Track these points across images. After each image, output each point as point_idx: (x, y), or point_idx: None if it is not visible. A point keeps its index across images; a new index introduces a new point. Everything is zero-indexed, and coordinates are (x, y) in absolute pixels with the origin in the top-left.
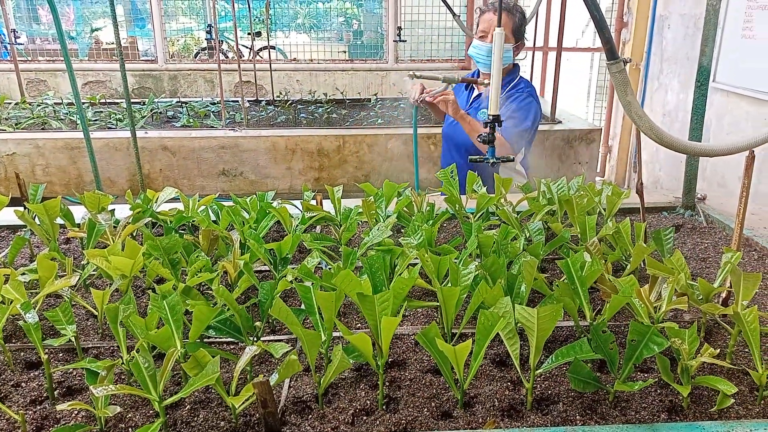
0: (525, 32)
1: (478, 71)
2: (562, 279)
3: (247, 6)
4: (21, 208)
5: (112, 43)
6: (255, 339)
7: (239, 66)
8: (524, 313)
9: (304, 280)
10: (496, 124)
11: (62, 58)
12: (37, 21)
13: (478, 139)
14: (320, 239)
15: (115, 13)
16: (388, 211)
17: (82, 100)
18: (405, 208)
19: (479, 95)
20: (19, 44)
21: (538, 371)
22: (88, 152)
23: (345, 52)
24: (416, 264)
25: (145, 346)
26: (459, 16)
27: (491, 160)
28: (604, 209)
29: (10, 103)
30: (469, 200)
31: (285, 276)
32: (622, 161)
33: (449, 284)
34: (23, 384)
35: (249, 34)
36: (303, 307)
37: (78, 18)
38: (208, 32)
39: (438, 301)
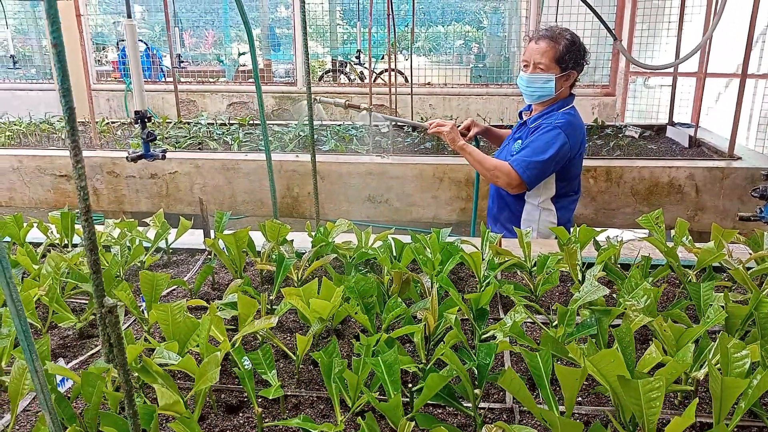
0: (579, 61)
1: (530, 105)
2: None
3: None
4: (200, 234)
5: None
6: (472, 407)
7: (390, 90)
8: None
9: (516, 341)
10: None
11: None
12: (182, 45)
13: None
14: (518, 290)
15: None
16: (583, 258)
17: (230, 122)
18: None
19: (524, 123)
20: (181, 68)
21: None
22: (269, 177)
23: (468, 76)
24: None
25: (372, 415)
26: (620, 41)
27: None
28: None
29: (169, 123)
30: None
31: (490, 333)
32: None
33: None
34: None
35: (385, 56)
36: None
37: (226, 39)
38: (357, 57)
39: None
